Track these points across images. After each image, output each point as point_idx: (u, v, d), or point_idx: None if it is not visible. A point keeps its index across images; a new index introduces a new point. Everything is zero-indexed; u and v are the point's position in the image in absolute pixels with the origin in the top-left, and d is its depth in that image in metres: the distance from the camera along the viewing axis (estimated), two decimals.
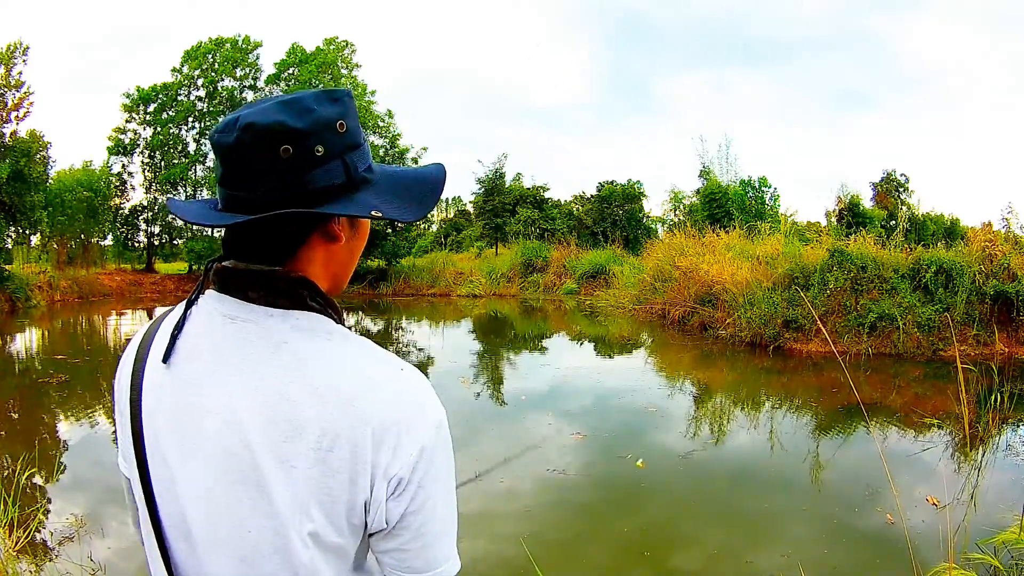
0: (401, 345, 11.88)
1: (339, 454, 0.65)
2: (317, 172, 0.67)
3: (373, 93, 23.71)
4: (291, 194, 0.67)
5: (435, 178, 0.76)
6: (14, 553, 3.10)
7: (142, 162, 24.06)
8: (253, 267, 0.70)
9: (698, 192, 24.69)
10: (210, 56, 23.47)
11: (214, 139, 0.69)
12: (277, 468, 0.65)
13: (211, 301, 0.72)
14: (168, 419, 0.70)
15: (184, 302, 0.74)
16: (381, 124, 23.47)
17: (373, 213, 0.69)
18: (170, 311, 0.78)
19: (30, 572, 3.08)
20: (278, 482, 0.65)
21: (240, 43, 23.70)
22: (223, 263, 0.73)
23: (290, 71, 23.75)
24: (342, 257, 0.76)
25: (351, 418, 0.66)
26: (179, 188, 23.58)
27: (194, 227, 23.85)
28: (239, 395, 0.67)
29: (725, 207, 22.40)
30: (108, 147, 23.71)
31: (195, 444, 0.68)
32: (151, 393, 0.72)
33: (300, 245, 0.71)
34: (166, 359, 0.71)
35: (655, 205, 34.97)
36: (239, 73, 23.68)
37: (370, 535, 0.71)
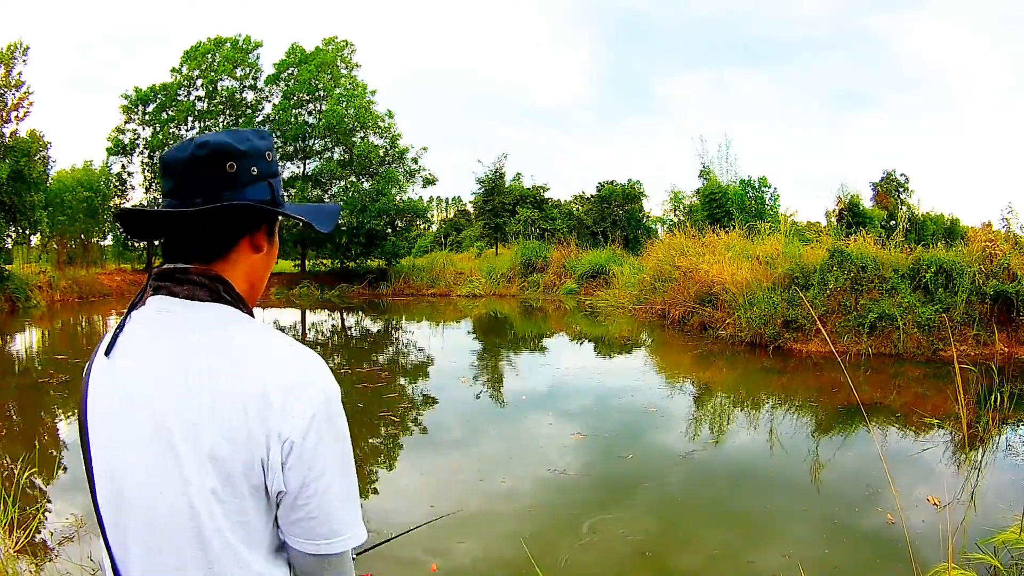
0: (401, 345, 11.88)
1: (235, 415, 0.75)
2: (252, 188, 0.83)
3: (374, 93, 23.70)
4: (232, 202, 0.81)
5: (333, 209, 0.98)
6: (14, 553, 3.10)
7: (142, 162, 24.02)
8: (179, 266, 0.83)
9: (698, 192, 24.69)
10: (210, 56, 23.43)
11: (168, 157, 0.82)
12: (183, 428, 0.75)
13: (149, 301, 0.84)
14: (105, 404, 0.81)
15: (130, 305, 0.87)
16: (381, 124, 23.44)
17: (300, 216, 0.87)
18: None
19: (30, 572, 3.08)
20: (184, 440, 0.75)
21: (240, 43, 23.67)
22: (161, 267, 0.86)
23: (290, 71, 23.74)
24: (260, 267, 0.89)
25: (246, 384, 0.76)
26: None
27: None
28: (160, 372, 0.78)
29: (725, 207, 22.40)
30: (108, 147, 23.70)
31: (124, 419, 0.78)
32: (95, 384, 0.83)
33: (230, 248, 0.85)
34: (108, 352, 0.82)
35: (655, 205, 35.00)
36: (239, 73, 23.66)
37: (277, 505, 0.79)
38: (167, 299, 0.82)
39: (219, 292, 0.83)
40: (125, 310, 0.85)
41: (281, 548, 0.81)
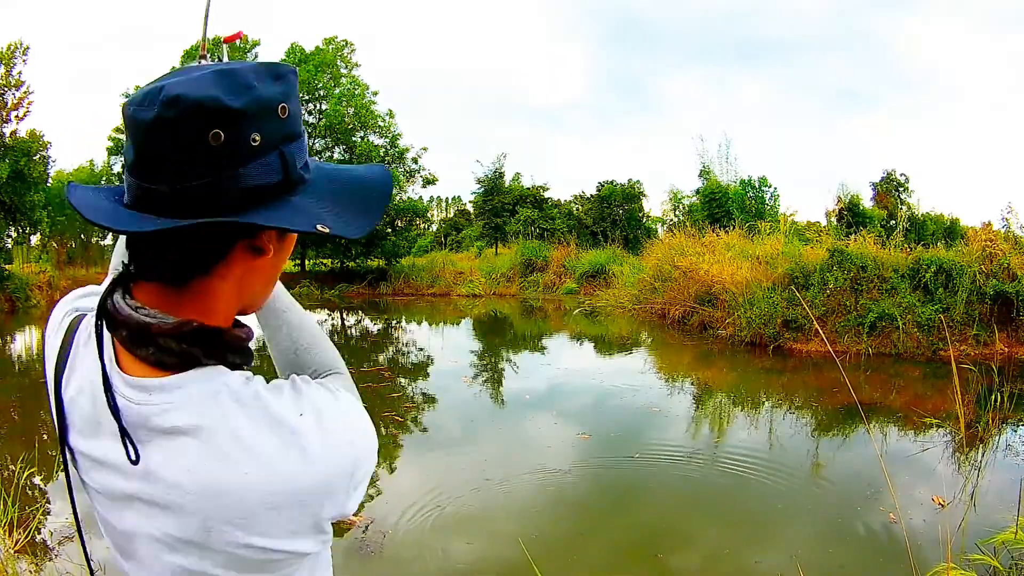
0: (402, 345, 11.88)
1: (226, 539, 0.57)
2: (251, 166, 0.55)
3: (376, 93, 23.70)
4: (217, 193, 0.54)
5: (381, 186, 0.66)
6: (14, 553, 3.11)
7: None
8: (138, 316, 0.58)
9: (698, 192, 24.69)
10: (208, 56, 23.42)
11: (129, 112, 0.54)
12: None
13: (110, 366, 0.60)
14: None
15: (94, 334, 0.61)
16: (381, 124, 23.44)
17: (319, 227, 0.57)
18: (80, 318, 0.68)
19: (30, 572, 3.09)
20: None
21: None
22: (114, 291, 0.60)
23: None
24: (265, 273, 0.64)
25: (229, 507, 0.57)
26: None
27: None
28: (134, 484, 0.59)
29: (725, 207, 22.40)
30: (108, 147, 23.68)
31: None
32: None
33: (216, 262, 0.58)
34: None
35: (655, 205, 34.93)
36: None
37: None
38: (130, 381, 0.58)
39: (196, 358, 0.59)
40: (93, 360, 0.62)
41: None
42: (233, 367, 0.61)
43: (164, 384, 0.58)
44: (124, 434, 0.58)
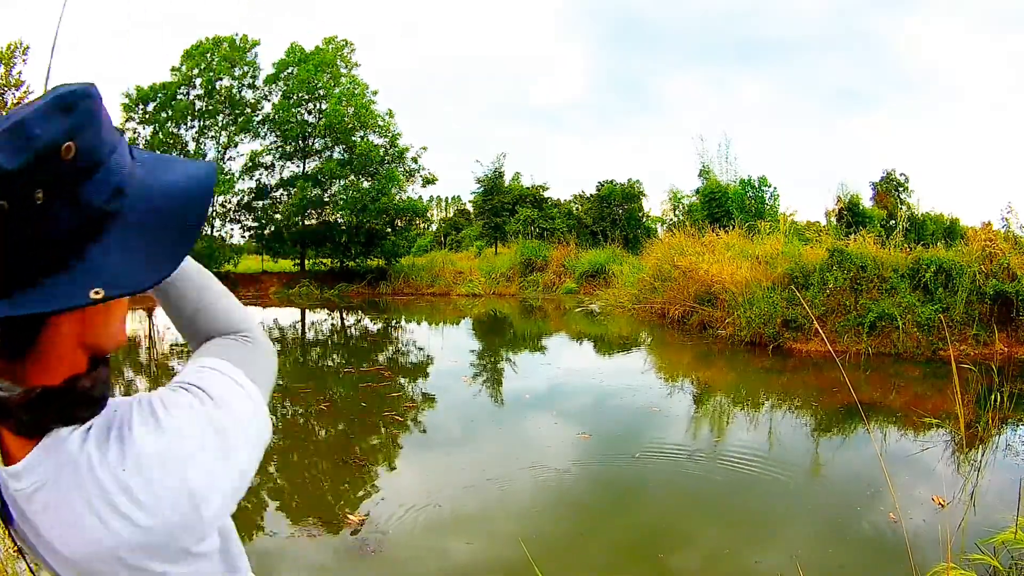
0: (402, 344, 11.88)
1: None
2: (39, 226, 0.51)
3: (375, 93, 23.70)
4: (10, 266, 0.51)
5: (197, 201, 0.60)
6: (14, 553, 3.10)
7: None
8: None
9: (698, 192, 24.69)
10: (208, 55, 23.41)
11: None
12: None
13: None
14: None
15: None
16: (381, 124, 23.44)
17: (92, 295, 0.52)
18: None
19: (30, 572, 3.08)
20: None
21: (238, 42, 23.65)
22: None
23: (289, 70, 23.73)
24: (102, 319, 0.61)
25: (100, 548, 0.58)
26: None
27: None
28: None
29: (725, 207, 22.40)
30: None
31: None
32: None
33: (38, 330, 0.56)
34: None
35: (655, 205, 34.93)
36: (237, 72, 23.63)
37: None
38: None
39: (45, 424, 0.58)
40: None
41: None
42: (84, 421, 0.60)
43: (24, 469, 0.59)
44: (3, 505, 0.61)
